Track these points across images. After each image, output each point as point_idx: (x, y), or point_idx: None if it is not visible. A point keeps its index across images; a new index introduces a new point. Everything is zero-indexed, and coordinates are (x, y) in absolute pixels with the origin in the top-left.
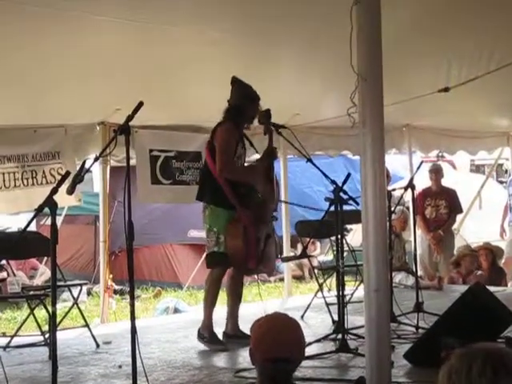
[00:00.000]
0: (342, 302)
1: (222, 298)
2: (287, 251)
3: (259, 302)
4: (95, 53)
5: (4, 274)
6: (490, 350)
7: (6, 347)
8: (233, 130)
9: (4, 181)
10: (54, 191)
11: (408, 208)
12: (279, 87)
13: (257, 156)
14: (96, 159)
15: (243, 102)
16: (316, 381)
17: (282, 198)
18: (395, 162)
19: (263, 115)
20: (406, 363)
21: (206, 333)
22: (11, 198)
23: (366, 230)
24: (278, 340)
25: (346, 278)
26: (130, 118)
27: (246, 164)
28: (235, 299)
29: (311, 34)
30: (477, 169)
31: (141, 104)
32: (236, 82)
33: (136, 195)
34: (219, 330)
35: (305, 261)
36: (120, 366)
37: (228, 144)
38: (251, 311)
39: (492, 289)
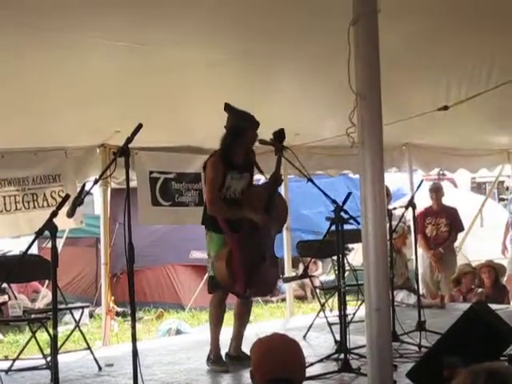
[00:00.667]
0: (343, 322)
1: (228, 318)
2: (289, 271)
3: (261, 321)
4: (95, 75)
5: (5, 298)
6: (492, 369)
7: (8, 370)
8: (217, 163)
9: (5, 204)
10: (54, 214)
11: (409, 226)
12: (279, 108)
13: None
14: (96, 182)
15: (240, 126)
16: None
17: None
18: (398, 179)
19: (276, 135)
20: (408, 382)
21: (211, 355)
22: (12, 221)
23: (367, 250)
24: (278, 361)
25: (347, 298)
26: (129, 140)
27: (251, 185)
28: (240, 321)
29: (310, 55)
30: (478, 186)
31: (140, 126)
32: (229, 108)
33: (137, 217)
34: (222, 351)
35: (307, 281)
36: None
37: (211, 181)
38: (253, 332)
39: (494, 307)
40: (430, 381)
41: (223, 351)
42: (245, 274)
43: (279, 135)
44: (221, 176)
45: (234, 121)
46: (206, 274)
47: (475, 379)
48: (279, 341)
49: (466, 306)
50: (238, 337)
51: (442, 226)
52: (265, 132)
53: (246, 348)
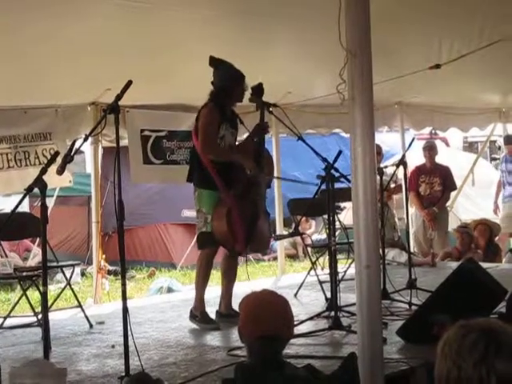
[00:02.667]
0: (334, 280)
1: (217, 277)
2: (280, 230)
3: (253, 280)
4: (85, 33)
5: None
6: (486, 325)
7: None
8: (214, 110)
9: None
10: (43, 171)
11: (400, 185)
12: (271, 66)
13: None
14: (86, 139)
15: (227, 83)
16: (309, 358)
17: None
18: (391, 139)
19: (255, 90)
20: (398, 340)
21: (197, 313)
22: (5, 178)
23: (357, 207)
24: (265, 318)
25: (338, 256)
26: (119, 96)
27: (237, 143)
28: (229, 278)
29: (302, 11)
30: (470, 146)
31: (130, 83)
32: (215, 62)
33: (129, 175)
34: (213, 309)
35: (298, 239)
36: (113, 346)
37: (208, 125)
38: (244, 290)
39: (485, 265)
40: (420, 338)
41: (211, 309)
42: (244, 232)
43: (257, 90)
44: (216, 124)
45: (220, 78)
46: (196, 232)
47: (467, 333)
48: (268, 297)
49: (457, 264)
50: (227, 294)
51: (436, 184)
52: None
53: (236, 305)
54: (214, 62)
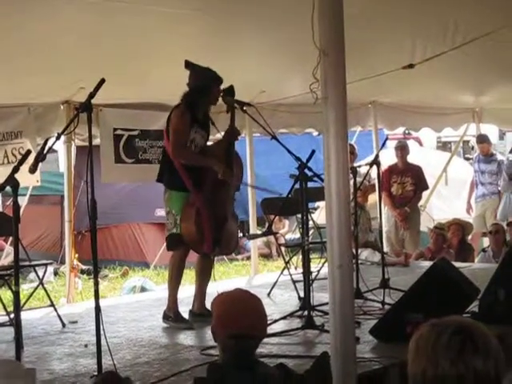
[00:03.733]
0: (307, 279)
1: (190, 276)
2: (254, 229)
3: (226, 280)
4: (59, 31)
5: None
6: (461, 323)
7: None
8: (185, 113)
9: None
10: (16, 170)
11: (373, 184)
12: (244, 64)
13: (219, 136)
14: (58, 137)
15: (203, 83)
16: (282, 357)
17: (248, 177)
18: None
19: (226, 92)
20: (371, 339)
21: (171, 313)
22: None
23: (330, 207)
24: (238, 316)
25: (312, 256)
26: (91, 95)
27: (208, 144)
28: (203, 278)
29: (274, 11)
30: (443, 146)
31: (102, 81)
32: (191, 65)
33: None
34: (186, 308)
35: (272, 239)
36: (86, 345)
37: (179, 129)
38: (216, 290)
39: (458, 264)
40: (393, 337)
41: (185, 309)
42: (212, 233)
43: (229, 92)
44: (187, 127)
45: (197, 78)
46: (166, 233)
47: (441, 332)
48: (240, 296)
49: (430, 264)
50: (200, 294)
51: (408, 184)
52: None
53: (209, 305)
54: (190, 65)
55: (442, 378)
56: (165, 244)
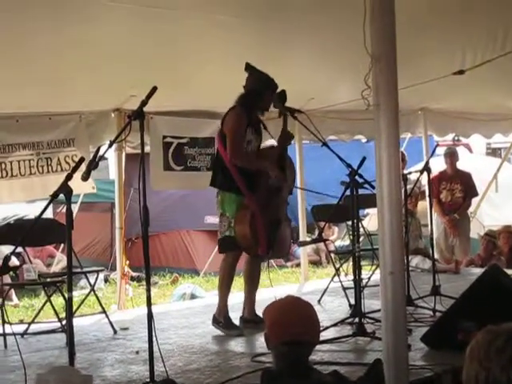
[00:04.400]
0: (358, 286)
1: (240, 283)
2: (304, 236)
3: (276, 286)
4: (110, 40)
5: (15, 261)
6: None
7: (23, 334)
8: (241, 114)
9: (20, 168)
10: (69, 177)
11: (423, 191)
12: (293, 72)
13: (272, 141)
14: (110, 145)
15: (260, 87)
16: (333, 364)
17: (298, 184)
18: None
19: (278, 97)
20: (423, 346)
21: (221, 318)
22: (27, 185)
23: (382, 214)
24: (292, 323)
25: (362, 263)
26: (144, 103)
27: (261, 148)
28: (252, 284)
29: (325, 17)
30: (493, 152)
31: (154, 89)
32: (251, 68)
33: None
34: (236, 315)
35: (321, 246)
36: (137, 352)
37: (237, 131)
38: (267, 296)
39: (510, 272)
40: (445, 345)
41: (234, 315)
42: (266, 236)
43: (280, 97)
44: (244, 128)
45: (254, 82)
46: (219, 236)
47: (494, 339)
48: (293, 303)
49: (480, 271)
50: (250, 299)
51: (457, 191)
52: None
53: (259, 311)
54: (250, 67)
55: (492, 383)
56: (214, 251)
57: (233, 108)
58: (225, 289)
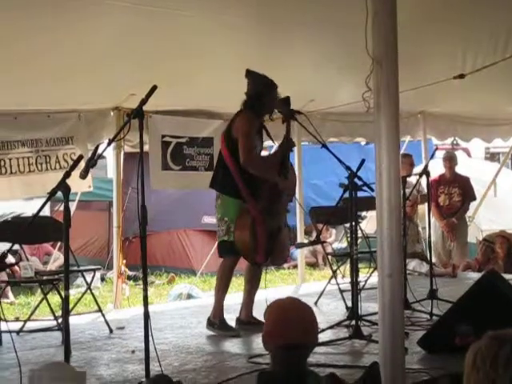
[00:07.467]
0: (355, 289)
1: (237, 284)
2: (301, 238)
3: (272, 288)
4: (110, 38)
5: (10, 260)
6: None
7: (19, 332)
8: (253, 120)
9: (18, 165)
10: (67, 175)
11: (424, 195)
12: (294, 73)
13: (270, 143)
14: (109, 143)
15: (261, 91)
16: (329, 367)
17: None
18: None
19: (282, 103)
20: (419, 350)
21: (216, 320)
22: (26, 182)
23: (381, 216)
24: (290, 325)
25: (359, 265)
26: (143, 101)
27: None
28: (252, 287)
29: (326, 19)
30: (491, 157)
31: (154, 88)
32: (251, 73)
33: (149, 181)
34: (232, 316)
35: (319, 248)
36: (133, 351)
37: (249, 137)
38: (264, 298)
39: (507, 276)
40: (441, 349)
41: (230, 316)
42: (266, 244)
43: (285, 102)
44: (255, 133)
45: (255, 84)
46: (217, 239)
47: (501, 346)
48: (293, 305)
49: (478, 275)
50: (248, 302)
51: (455, 195)
52: None
53: (255, 313)
54: (250, 73)
55: None
56: (211, 251)
57: (241, 112)
58: (222, 292)
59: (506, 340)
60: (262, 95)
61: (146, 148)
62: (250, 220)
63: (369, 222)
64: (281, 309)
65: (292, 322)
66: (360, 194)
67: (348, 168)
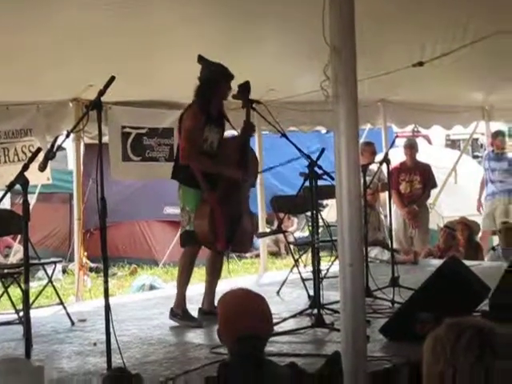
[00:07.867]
0: (317, 278)
1: (199, 274)
2: (263, 227)
3: (235, 277)
4: (67, 28)
5: None
6: (479, 325)
7: None
8: (198, 114)
9: None
10: (25, 168)
11: (385, 183)
12: (254, 62)
13: (233, 132)
14: (68, 135)
15: (214, 76)
16: (292, 356)
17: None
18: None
19: (242, 88)
20: (381, 337)
21: (179, 310)
22: None
23: (340, 205)
24: (242, 318)
25: (321, 254)
26: (101, 92)
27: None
28: (213, 276)
29: (284, 9)
30: (452, 144)
31: (112, 78)
32: (203, 59)
33: (109, 172)
34: (195, 306)
35: (281, 237)
36: (95, 344)
37: (192, 132)
38: (226, 287)
39: (468, 263)
40: (403, 336)
41: (193, 306)
42: (227, 232)
43: (244, 87)
44: (200, 128)
45: (207, 72)
46: (180, 230)
47: (460, 333)
48: (242, 296)
49: (439, 262)
50: (210, 292)
51: (416, 182)
52: None
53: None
54: (202, 59)
55: (460, 380)
56: (173, 242)
57: (190, 106)
58: (183, 282)
59: (466, 327)
60: (216, 82)
61: (105, 139)
62: (209, 209)
63: (330, 211)
64: (231, 302)
65: (245, 313)
66: (320, 182)
67: (308, 157)
